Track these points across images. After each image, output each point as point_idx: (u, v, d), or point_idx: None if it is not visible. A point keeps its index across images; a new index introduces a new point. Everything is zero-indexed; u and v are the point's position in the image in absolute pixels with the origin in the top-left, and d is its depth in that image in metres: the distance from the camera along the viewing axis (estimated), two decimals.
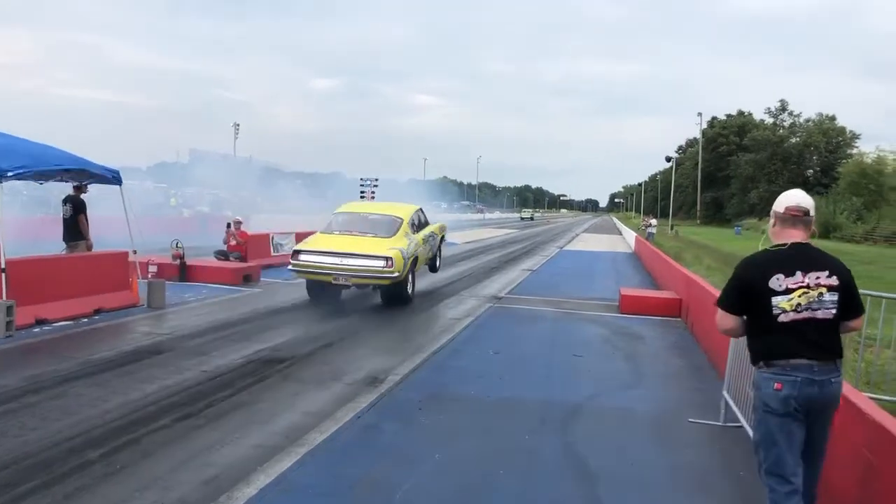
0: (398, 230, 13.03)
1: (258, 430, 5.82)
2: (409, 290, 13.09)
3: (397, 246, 12.28)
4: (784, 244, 3.67)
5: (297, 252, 12.62)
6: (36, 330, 9.37)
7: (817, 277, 3.56)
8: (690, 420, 6.60)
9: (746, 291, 3.67)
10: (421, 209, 15.26)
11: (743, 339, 6.12)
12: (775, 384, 3.55)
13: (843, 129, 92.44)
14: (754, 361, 3.74)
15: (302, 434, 5.75)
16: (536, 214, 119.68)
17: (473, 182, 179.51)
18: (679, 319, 12.60)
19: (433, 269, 16.11)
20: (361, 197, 27.87)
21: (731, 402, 6.43)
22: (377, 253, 11.97)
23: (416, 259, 13.18)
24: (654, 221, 56.54)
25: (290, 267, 12.58)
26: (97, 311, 10.65)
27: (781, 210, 3.71)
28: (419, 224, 14.46)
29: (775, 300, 3.56)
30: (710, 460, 5.67)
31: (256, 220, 35.30)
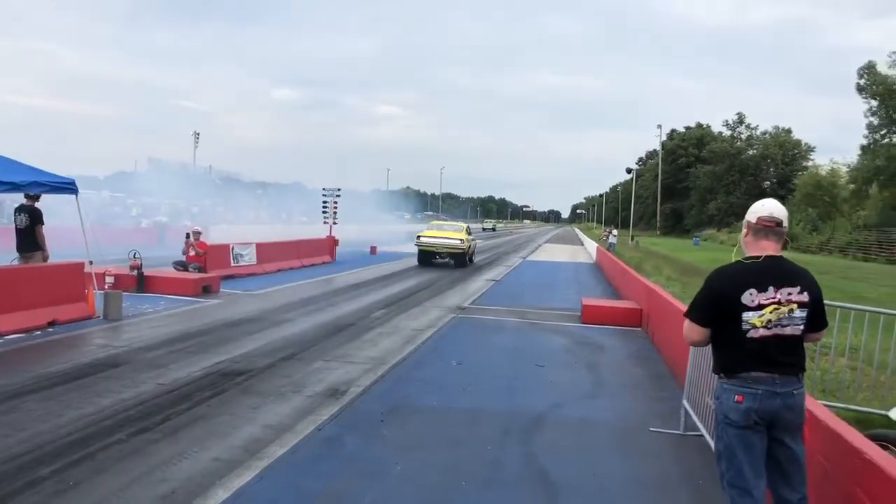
0: (462, 231, 27.88)
1: (217, 444, 5.71)
2: (469, 261, 27.88)
3: (463, 237, 26.78)
4: (758, 257, 3.62)
5: (419, 236, 26.78)
6: None
7: (789, 293, 3.53)
8: (651, 429, 6.65)
9: (718, 304, 3.62)
10: (468, 226, 31.95)
11: (703, 349, 6.24)
12: (736, 396, 3.55)
13: (798, 142, 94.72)
14: (716, 371, 3.74)
15: (262, 447, 5.67)
16: (499, 225, 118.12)
17: (437, 192, 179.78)
18: (640, 329, 12.73)
19: (471, 261, 28.83)
20: (324, 206, 27.71)
21: (691, 411, 6.49)
22: (456, 237, 26.33)
23: (470, 246, 28.04)
24: (615, 232, 57.15)
25: (415, 244, 26.66)
26: (51, 324, 10.40)
27: (754, 220, 3.66)
28: (469, 232, 29.02)
29: (746, 315, 3.53)
30: (670, 469, 5.71)
31: (216, 231, 34.97)
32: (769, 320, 3.51)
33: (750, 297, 3.52)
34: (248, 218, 63.21)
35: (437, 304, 15.28)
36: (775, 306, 3.51)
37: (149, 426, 6.08)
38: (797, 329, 3.56)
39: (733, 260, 3.73)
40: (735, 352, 3.58)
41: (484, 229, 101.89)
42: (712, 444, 5.73)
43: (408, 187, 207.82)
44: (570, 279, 24.33)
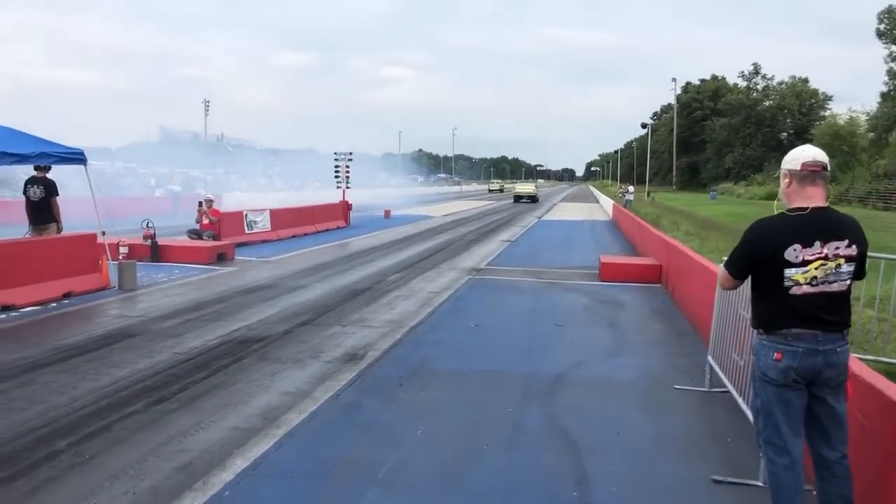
0: (533, 185, 73.21)
1: (234, 413, 5.63)
2: (536, 200, 56.99)
3: (533, 188, 63.31)
4: (804, 208, 3.38)
5: (515, 189, 65.32)
6: (2, 316, 9.08)
7: (836, 248, 3.33)
8: (675, 387, 6.51)
9: (757, 260, 3.44)
10: (536, 182, 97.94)
11: (728, 306, 6.07)
12: (775, 353, 3.38)
13: (815, 92, 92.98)
14: (755, 325, 3.57)
15: (280, 415, 5.59)
16: (508, 186, 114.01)
17: (449, 154, 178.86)
18: (660, 285, 12.55)
19: (536, 201, 57.01)
20: (336, 170, 27.53)
21: (717, 367, 6.34)
22: (531, 189, 62.21)
23: (538, 193, 62.73)
24: (631, 188, 56.69)
25: (513, 193, 63.06)
26: (66, 296, 10.36)
27: (798, 167, 3.42)
28: (537, 187, 71.51)
29: (789, 272, 3.34)
30: (696, 427, 5.58)
31: (229, 199, 34.94)
32: (814, 277, 3.32)
33: (794, 252, 3.32)
34: (261, 185, 63.27)
35: (452, 267, 15.15)
36: (822, 262, 3.32)
37: (166, 396, 6.02)
38: (843, 285, 3.37)
39: (776, 212, 3.50)
40: (776, 308, 3.40)
41: (490, 191, 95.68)
42: (739, 400, 5.61)
43: (420, 150, 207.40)
44: (587, 237, 24.10)
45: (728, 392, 5.90)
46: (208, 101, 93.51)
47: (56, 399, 5.86)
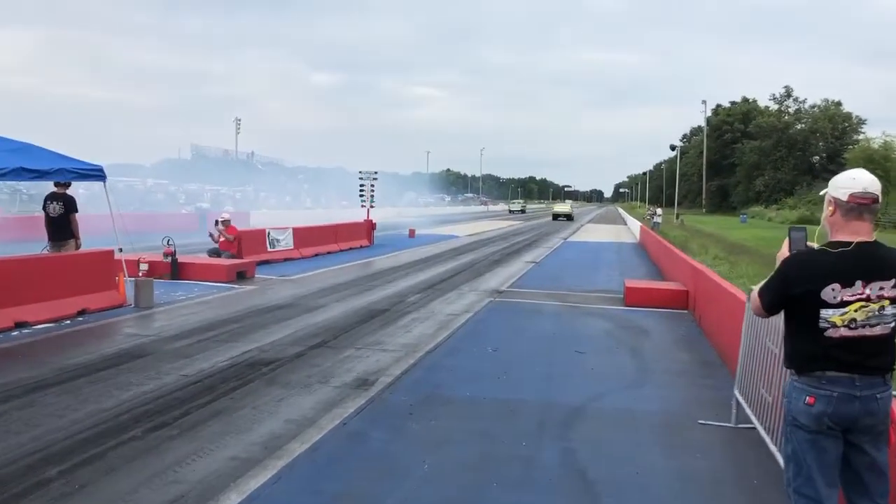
0: (569, 205, 78.17)
1: (235, 441, 5.41)
2: (572, 219, 65.32)
3: (569, 208, 73.39)
4: (847, 243, 3.05)
5: (554, 209, 73.98)
6: (14, 333, 8.99)
7: (881, 288, 3.00)
8: (700, 422, 6.18)
9: (790, 295, 3.12)
10: (571, 203, 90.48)
11: (753, 335, 5.75)
12: (807, 397, 3.07)
13: (848, 115, 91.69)
14: (787, 364, 3.26)
15: (282, 444, 5.35)
16: (536, 205, 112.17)
17: (477, 174, 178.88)
18: (686, 312, 12.17)
19: (572, 219, 65.43)
20: (361, 189, 27.46)
21: (743, 402, 6.01)
22: (567, 208, 71.81)
23: (573, 212, 73.63)
24: (659, 211, 56.09)
25: (552, 212, 71.76)
26: (81, 313, 10.27)
27: (844, 198, 3.05)
28: (571, 205, 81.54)
29: (825, 313, 3.02)
30: (721, 467, 5.25)
31: (256, 216, 35.05)
32: (853, 320, 3.00)
33: (832, 293, 3.00)
34: (288, 203, 63.69)
35: (474, 288, 14.89)
36: (862, 304, 3.00)
37: (167, 421, 5.82)
38: (887, 328, 3.04)
39: (816, 246, 3.17)
40: (809, 348, 3.09)
41: (511, 211, 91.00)
42: (767, 439, 5.28)
43: (448, 169, 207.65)
44: (613, 260, 23.70)
45: (755, 428, 5.57)
46: (240, 120, 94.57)
47: (54, 422, 5.69)
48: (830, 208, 3.14)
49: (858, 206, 3.05)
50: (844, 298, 3.00)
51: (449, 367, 7.97)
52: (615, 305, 12.86)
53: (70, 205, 11.93)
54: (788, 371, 3.27)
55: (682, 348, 9.40)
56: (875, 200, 3.07)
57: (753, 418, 5.67)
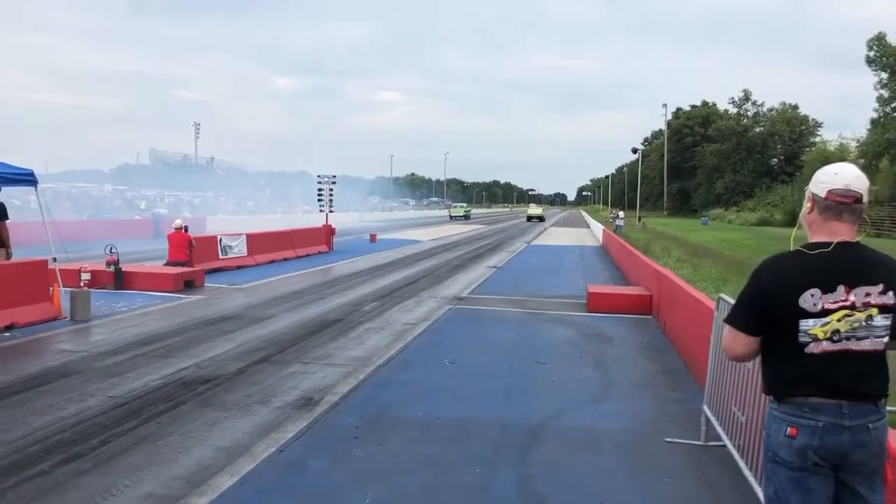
0: (541, 208, 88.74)
1: (154, 475, 4.83)
2: (542, 220, 71.89)
3: (542, 211, 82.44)
4: (826, 244, 2.63)
5: (528, 211, 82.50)
6: None
7: (867, 294, 2.58)
8: (667, 440, 5.75)
9: (768, 308, 2.65)
10: (543, 206, 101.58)
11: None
12: (788, 428, 2.62)
13: (806, 118, 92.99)
14: (765, 391, 2.79)
15: (208, 477, 4.78)
16: (478, 210, 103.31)
17: (442, 178, 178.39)
18: (651, 317, 11.81)
19: (543, 220, 72.18)
20: (319, 193, 26.83)
21: (713, 418, 5.60)
22: (540, 211, 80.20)
23: (545, 214, 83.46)
24: (621, 213, 56.14)
25: (526, 215, 79.52)
26: (8, 328, 9.55)
27: (822, 194, 2.67)
28: (543, 208, 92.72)
29: (805, 324, 2.58)
30: (692, 492, 4.80)
31: (212, 223, 34.19)
32: (836, 331, 2.56)
33: (811, 299, 2.56)
34: (250, 208, 62.58)
35: (433, 295, 14.39)
36: (846, 312, 2.56)
37: (82, 452, 5.21)
38: (878, 342, 2.60)
39: (791, 247, 2.71)
40: (788, 369, 2.64)
41: (452, 217, 76.34)
42: (739, 460, 4.86)
43: (412, 174, 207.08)
44: (576, 264, 23.37)
45: (725, 446, 5.16)
46: (199, 124, 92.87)
47: None
48: (808, 205, 2.73)
49: (837, 205, 2.64)
50: (826, 306, 2.57)
51: (401, 382, 7.45)
52: (578, 311, 12.47)
53: (3, 213, 11.19)
54: (768, 398, 2.82)
55: (647, 356, 9.00)
56: (857, 200, 2.64)
57: (725, 437, 5.26)
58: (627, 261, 19.29)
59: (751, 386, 4.53)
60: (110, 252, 14.00)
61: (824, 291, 2.57)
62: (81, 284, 12.19)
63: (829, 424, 2.57)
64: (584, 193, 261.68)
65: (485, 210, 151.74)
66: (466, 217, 78.49)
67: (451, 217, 76.57)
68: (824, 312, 2.57)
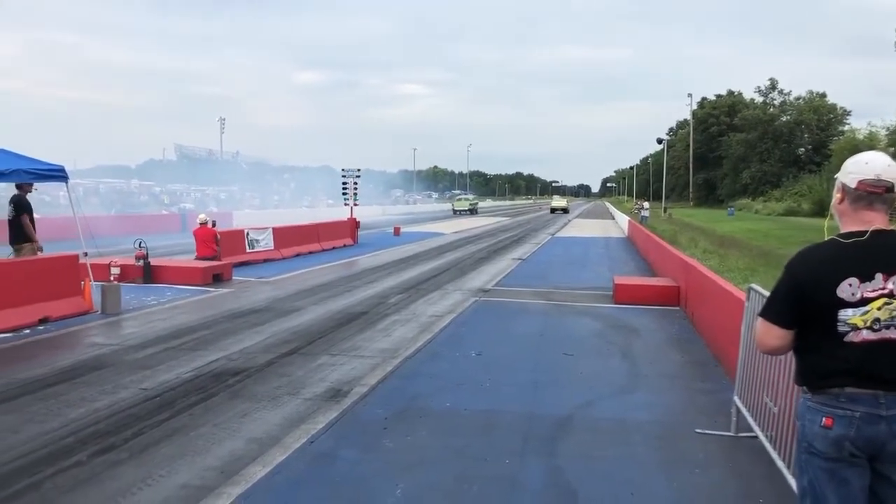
0: (565, 200, 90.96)
1: (189, 465, 4.90)
2: (566, 212, 72.42)
3: (566, 203, 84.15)
4: (861, 233, 2.60)
5: (552, 203, 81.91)
6: None
7: None
8: (697, 431, 5.72)
9: (803, 299, 2.62)
10: (567, 198, 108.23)
11: (754, 338, 5.29)
12: (824, 419, 2.59)
13: (833, 107, 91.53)
14: (798, 382, 2.77)
15: (241, 467, 4.84)
16: (500, 203, 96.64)
17: (464, 171, 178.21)
18: (678, 308, 11.73)
19: (568, 212, 73.10)
20: (344, 187, 26.97)
21: (743, 409, 5.56)
22: (564, 203, 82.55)
23: (569, 205, 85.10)
24: (646, 205, 55.76)
25: (550, 207, 79.01)
26: (42, 321, 9.71)
27: (853, 184, 2.63)
28: (567, 200, 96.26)
29: (844, 314, 2.55)
30: (723, 483, 4.77)
31: (239, 217, 34.48)
32: (877, 319, 2.53)
33: (849, 288, 2.54)
34: (274, 202, 63.04)
35: (458, 287, 14.41)
36: (885, 300, 2.53)
37: (116, 443, 5.30)
38: None
39: (826, 237, 2.69)
40: (824, 360, 2.61)
41: (456, 211, 65.74)
42: (770, 450, 4.83)
43: (435, 167, 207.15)
44: (601, 255, 23.26)
45: (757, 437, 5.13)
46: (224, 119, 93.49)
47: None
48: (838, 195, 2.71)
49: (868, 195, 2.61)
50: (864, 295, 2.54)
51: (429, 374, 7.47)
52: (604, 303, 12.41)
53: (20, 207, 11.39)
54: (801, 388, 2.79)
55: (675, 348, 8.95)
56: (889, 189, 2.61)
57: (756, 427, 5.23)
58: (654, 252, 19.16)
59: (783, 376, 4.49)
60: (139, 246, 14.17)
61: (862, 280, 2.54)
62: (111, 279, 12.32)
63: (866, 415, 2.55)
64: (608, 185, 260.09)
65: (507, 202, 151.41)
66: (472, 211, 66.81)
67: (455, 211, 65.81)
68: (863, 301, 2.54)
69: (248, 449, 5.23)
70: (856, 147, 67.40)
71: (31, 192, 11.51)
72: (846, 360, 2.57)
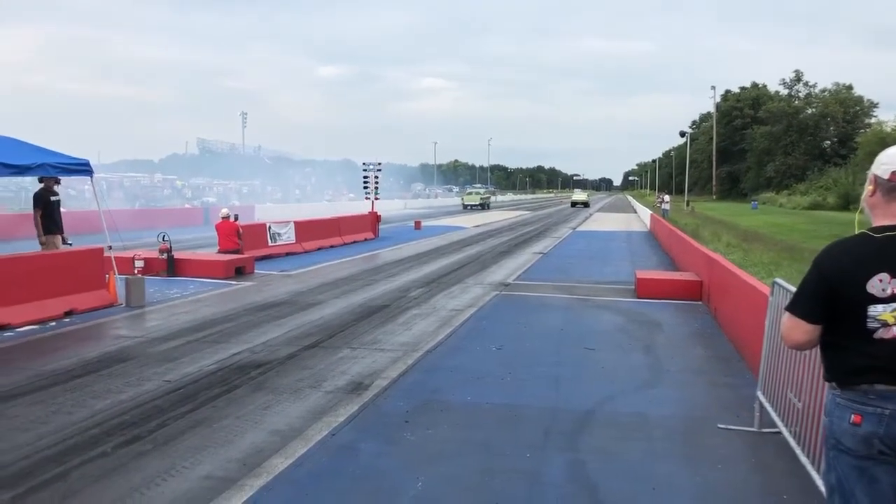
0: (586, 193, 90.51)
1: (212, 457, 4.95)
2: (587, 206, 71.82)
3: (587, 196, 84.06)
4: (893, 227, 2.55)
5: (573, 198, 77.86)
6: None
7: None
8: (720, 426, 5.68)
9: (832, 294, 2.58)
10: (588, 192, 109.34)
11: (778, 332, 5.24)
12: (853, 416, 2.55)
13: (860, 99, 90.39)
14: (827, 379, 2.73)
15: (263, 459, 4.88)
16: (521, 196, 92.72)
17: (485, 165, 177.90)
18: (701, 303, 11.65)
19: (588, 206, 72.92)
20: (365, 181, 27.07)
21: (767, 404, 5.51)
22: (585, 196, 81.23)
23: (590, 199, 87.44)
24: (667, 198, 55.33)
25: (571, 200, 76.85)
26: (68, 314, 9.84)
27: (885, 175, 2.59)
28: (588, 193, 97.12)
29: (874, 310, 2.51)
30: (746, 479, 4.73)
31: (261, 211, 34.69)
32: None
33: (880, 284, 2.49)
34: (296, 196, 63.34)
35: (479, 281, 14.40)
36: None
37: (140, 434, 5.36)
38: None
39: (856, 231, 2.66)
40: (853, 357, 2.57)
41: (466, 206, 60.97)
42: (794, 446, 4.78)
43: (456, 161, 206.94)
44: (623, 249, 23.14)
45: (781, 433, 5.08)
46: (246, 113, 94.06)
47: (17, 438, 5.24)
48: (870, 187, 2.65)
49: None
50: (895, 291, 2.50)
51: (450, 367, 7.48)
52: (626, 297, 12.35)
53: (35, 201, 11.57)
54: (828, 384, 2.76)
55: (698, 343, 8.88)
56: None
57: (779, 422, 5.18)
58: (676, 246, 19.03)
59: (808, 371, 4.45)
60: (163, 240, 14.30)
61: (893, 276, 2.50)
62: (136, 272, 12.43)
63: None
64: (630, 178, 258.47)
65: (529, 196, 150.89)
66: (484, 206, 61.58)
67: (465, 206, 60.94)
68: (894, 297, 2.50)
69: (270, 441, 5.26)
70: (882, 140, 66.55)
71: (53, 187, 11.62)
72: (876, 357, 2.53)
